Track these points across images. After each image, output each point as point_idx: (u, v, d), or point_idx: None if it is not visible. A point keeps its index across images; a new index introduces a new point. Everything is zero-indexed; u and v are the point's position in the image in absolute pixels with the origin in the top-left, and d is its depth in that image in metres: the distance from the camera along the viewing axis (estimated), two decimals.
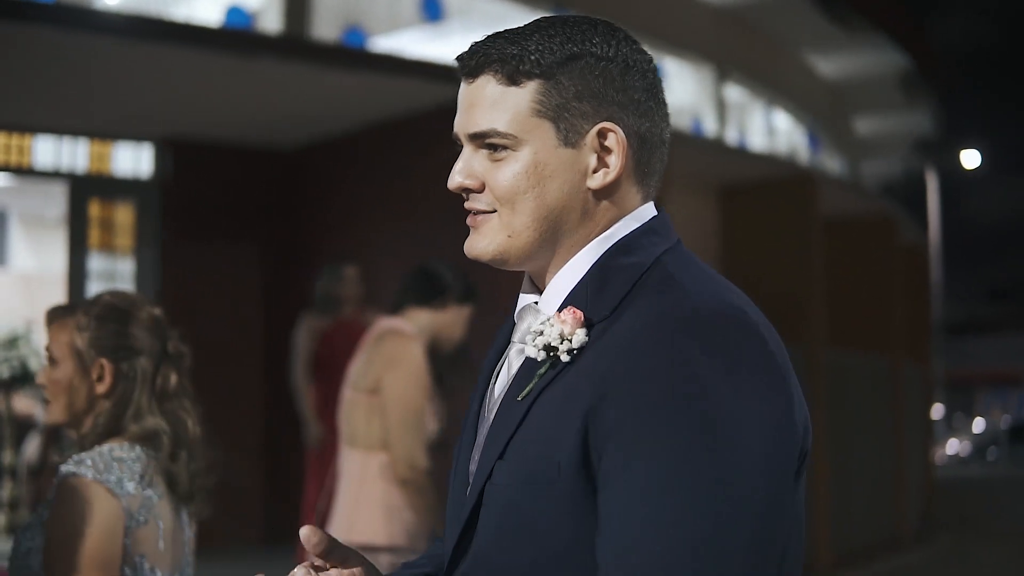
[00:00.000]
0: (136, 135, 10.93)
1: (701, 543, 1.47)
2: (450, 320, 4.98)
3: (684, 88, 16.40)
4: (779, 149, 19.06)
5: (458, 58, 1.76)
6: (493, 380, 1.82)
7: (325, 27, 11.35)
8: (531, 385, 1.66)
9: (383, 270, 9.39)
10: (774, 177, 12.35)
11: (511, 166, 1.69)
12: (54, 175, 10.94)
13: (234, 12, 11.00)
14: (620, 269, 1.68)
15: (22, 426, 13.14)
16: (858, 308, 14.13)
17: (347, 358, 8.54)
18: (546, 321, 1.67)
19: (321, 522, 6.42)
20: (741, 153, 13.56)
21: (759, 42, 18.10)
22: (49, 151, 10.73)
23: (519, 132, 1.68)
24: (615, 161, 1.69)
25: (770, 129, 19.37)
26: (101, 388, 3.02)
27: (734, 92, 17.93)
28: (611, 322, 1.63)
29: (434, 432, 5.00)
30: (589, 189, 1.70)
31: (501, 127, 1.68)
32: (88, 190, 11.01)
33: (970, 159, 34.11)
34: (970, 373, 52.26)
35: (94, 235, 11.07)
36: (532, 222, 1.70)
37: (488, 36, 1.74)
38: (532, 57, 1.68)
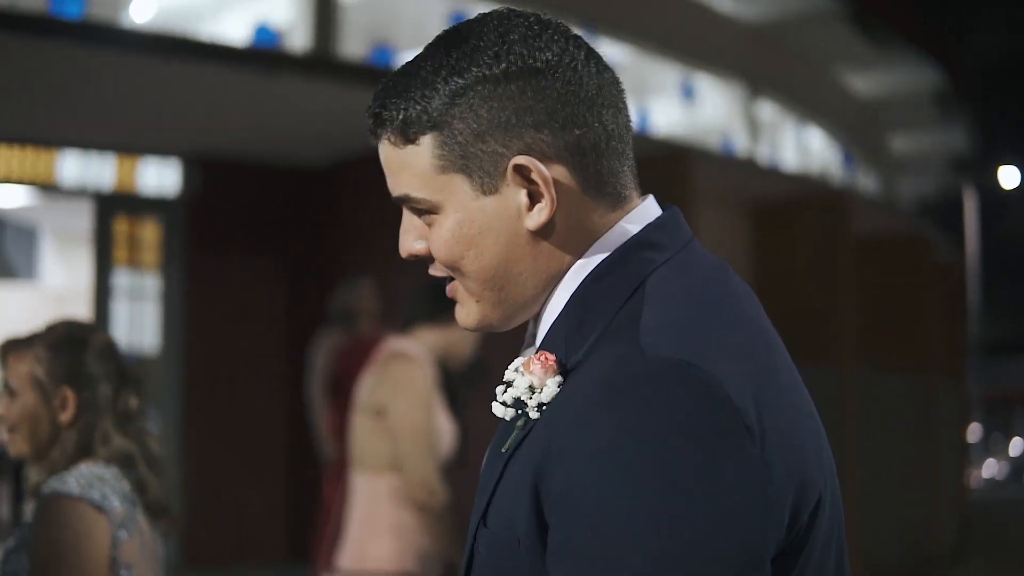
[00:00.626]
0: (162, 152, 10.93)
1: None
2: (459, 336, 4.93)
3: (716, 106, 16.31)
4: (812, 167, 18.93)
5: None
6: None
7: (353, 44, 11.32)
8: (511, 438, 1.47)
9: (403, 287, 9.33)
10: (806, 196, 12.24)
11: (438, 232, 1.51)
12: (80, 192, 10.95)
13: (262, 31, 10.98)
14: (597, 299, 1.47)
15: None
16: (892, 328, 13.99)
17: (363, 376, 8.51)
18: (516, 370, 1.49)
19: (329, 547, 6.38)
20: (773, 172, 13.48)
21: (791, 59, 18.00)
22: (75, 167, 10.73)
23: (431, 195, 1.50)
24: (547, 193, 1.46)
25: (802, 147, 19.24)
26: (65, 416, 3.02)
27: (766, 110, 17.81)
28: (582, 366, 1.44)
29: (449, 453, 4.95)
30: (529, 231, 1.49)
31: (413, 192, 1.52)
32: (114, 207, 11.01)
33: (1009, 177, 33.85)
34: (1009, 392, 51.88)
35: (120, 252, 11.07)
36: (483, 283, 1.52)
37: (379, 87, 1.54)
38: (416, 109, 1.47)
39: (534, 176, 1.45)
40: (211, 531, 10.81)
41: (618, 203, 1.52)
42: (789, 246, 12.31)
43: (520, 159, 1.45)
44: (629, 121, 1.55)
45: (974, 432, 31.05)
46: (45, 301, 19.52)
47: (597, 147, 1.49)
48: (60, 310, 18.66)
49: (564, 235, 1.50)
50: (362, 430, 4.91)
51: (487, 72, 1.46)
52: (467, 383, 5.26)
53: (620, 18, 13.04)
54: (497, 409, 1.49)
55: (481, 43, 1.48)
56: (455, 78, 1.46)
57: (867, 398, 11.75)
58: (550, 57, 1.47)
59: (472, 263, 1.50)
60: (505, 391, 1.49)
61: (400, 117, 1.49)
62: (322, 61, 10.19)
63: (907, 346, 14.01)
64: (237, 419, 10.95)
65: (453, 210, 1.49)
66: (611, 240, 1.50)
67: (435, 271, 1.56)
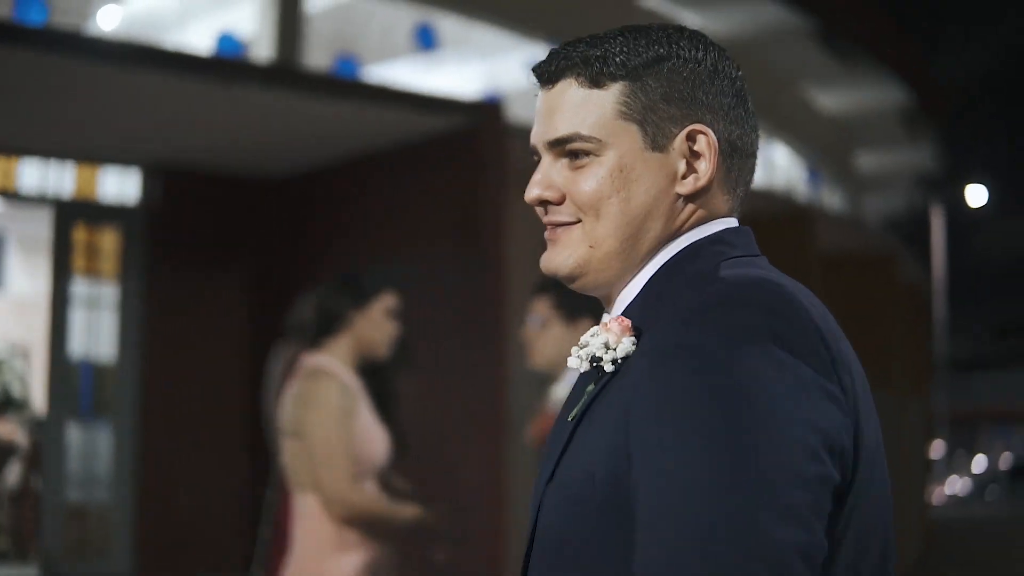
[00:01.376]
0: (124, 160, 10.84)
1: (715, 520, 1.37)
2: (367, 329, 4.97)
3: None
4: (778, 184, 18.97)
5: (535, 67, 1.68)
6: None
7: (318, 55, 11.27)
8: (580, 403, 1.59)
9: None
10: (772, 213, 12.24)
11: (595, 171, 1.61)
12: (40, 199, 10.85)
13: (226, 40, 10.93)
14: (681, 274, 1.61)
15: (3, 451, 13.04)
16: (858, 346, 13.96)
17: None
18: (592, 331, 1.61)
19: (278, 562, 6.37)
20: None
21: (759, 75, 18.02)
22: (35, 175, 10.65)
23: (604, 135, 1.60)
24: (705, 166, 1.63)
25: (769, 163, 19.29)
26: None
27: None
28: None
29: (382, 457, 4.93)
30: (678, 195, 1.64)
31: (585, 131, 1.61)
32: (73, 214, 10.91)
33: (976, 195, 34.00)
34: (974, 410, 52.13)
35: (79, 260, 10.97)
36: (615, 229, 1.62)
37: (566, 42, 1.67)
38: (617, 59, 1.61)
39: (701, 146, 1.62)
40: (167, 542, 10.72)
41: (732, 208, 1.70)
42: None
43: (698, 126, 1.61)
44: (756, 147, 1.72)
45: (938, 449, 31.17)
46: (10, 309, 19.39)
47: (744, 152, 1.68)
48: (24, 318, 18.53)
49: (693, 212, 1.65)
50: (288, 451, 5.00)
51: (684, 53, 1.63)
52: (396, 369, 5.25)
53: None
54: (572, 361, 1.60)
55: (680, 33, 1.66)
56: (656, 47, 1.63)
57: None
58: (730, 67, 1.67)
59: (617, 204, 1.61)
60: (579, 351, 1.60)
61: (601, 60, 1.61)
62: (286, 71, 10.14)
63: (873, 364, 13.98)
64: (195, 431, 10.86)
65: (619, 155, 1.60)
66: (704, 230, 1.66)
67: (554, 216, 1.65)
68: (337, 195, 10.50)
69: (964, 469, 44.13)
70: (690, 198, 1.63)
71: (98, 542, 10.87)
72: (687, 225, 1.64)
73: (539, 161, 1.67)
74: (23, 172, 10.63)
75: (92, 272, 11.07)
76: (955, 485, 40.92)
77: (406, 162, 9.58)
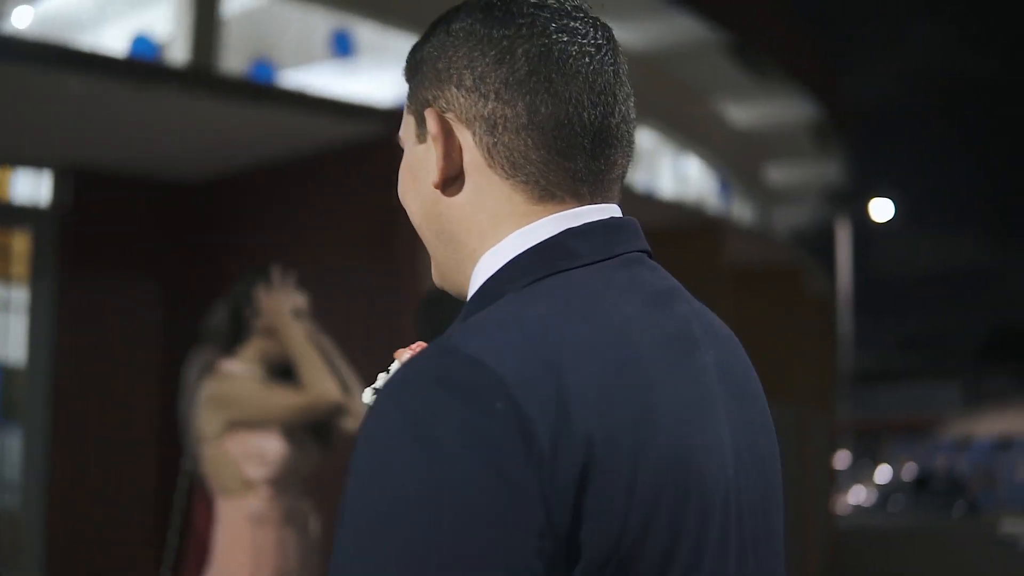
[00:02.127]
0: (35, 162, 10.72)
1: None
2: (271, 339, 5.12)
3: None
4: (689, 196, 19.12)
5: None
6: None
7: (234, 59, 11.22)
8: None
9: None
10: (683, 224, 12.35)
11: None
12: None
13: (140, 41, 10.83)
14: (486, 298, 1.39)
15: None
16: (765, 358, 14.14)
17: None
18: (399, 359, 1.51)
19: (195, 570, 6.38)
20: (649, 199, 13.56)
21: (671, 87, 18.17)
22: None
23: (402, 133, 1.52)
24: (436, 147, 1.42)
25: (680, 175, 19.44)
26: None
27: (644, 137, 17.98)
28: None
29: (278, 469, 4.99)
30: (435, 188, 1.44)
31: (400, 131, 1.53)
32: None
33: (882, 210, 34.48)
34: (879, 421, 52.82)
35: None
36: (420, 231, 1.51)
37: None
38: (409, 57, 1.50)
39: (430, 127, 1.43)
40: (78, 548, 10.61)
41: (545, 197, 1.41)
42: None
43: (427, 109, 1.43)
44: (597, 119, 1.43)
45: (843, 460, 31.54)
46: None
47: (512, 127, 1.39)
48: None
49: (472, 208, 1.43)
50: (209, 458, 5.08)
51: (446, 26, 1.44)
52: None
53: None
54: (365, 395, 1.49)
55: (469, 6, 1.45)
56: (430, 29, 1.47)
57: None
58: (498, 29, 1.40)
59: (408, 210, 1.50)
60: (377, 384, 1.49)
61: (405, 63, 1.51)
62: (202, 74, 10.07)
63: (780, 376, 14.19)
64: (106, 436, 10.75)
65: (405, 150, 1.50)
66: (530, 235, 1.40)
67: None
68: (254, 199, 10.46)
69: (868, 479, 44.66)
70: (459, 190, 1.44)
71: (7, 548, 10.73)
72: (481, 223, 1.43)
73: None
74: None
75: (2, 275, 10.93)
76: (860, 495, 41.40)
77: (323, 167, 9.58)
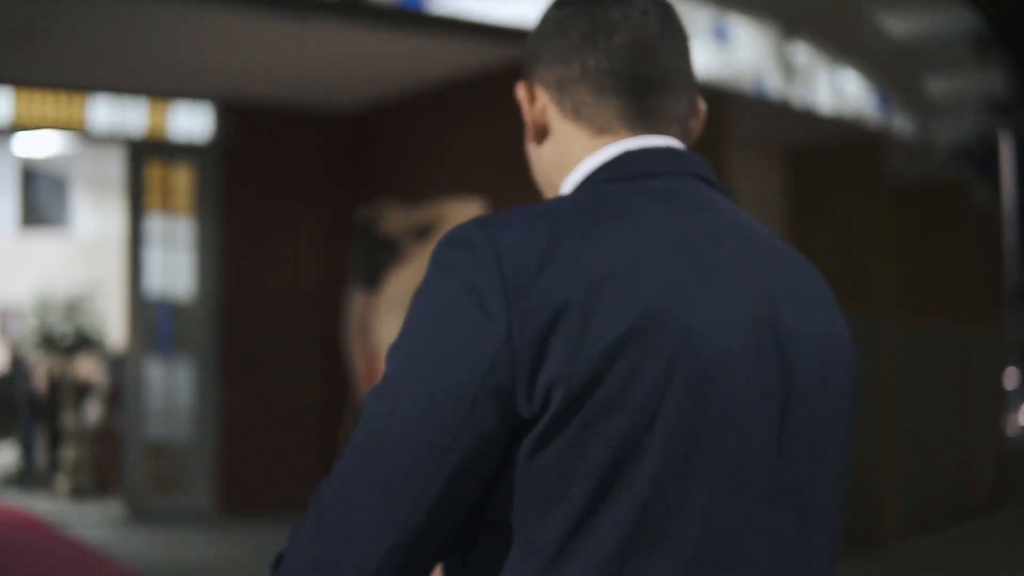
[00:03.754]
0: (194, 96, 10.88)
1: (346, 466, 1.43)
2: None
3: (748, 48, 16.14)
4: (847, 111, 18.74)
5: None
6: None
7: None
8: None
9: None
10: (842, 140, 12.11)
11: None
12: (111, 138, 10.92)
13: None
14: None
15: (82, 390, 13.20)
16: (928, 275, 13.87)
17: None
18: None
19: None
20: (807, 115, 13.31)
21: (828, 2, 17.77)
22: (106, 113, 10.70)
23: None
24: (527, 113, 1.76)
25: (837, 90, 19.05)
26: None
27: (800, 52, 17.62)
28: None
29: None
30: (533, 142, 1.77)
31: None
32: (146, 152, 10.98)
33: None
34: None
35: (153, 198, 11.04)
36: (537, 182, 1.81)
37: None
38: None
39: (520, 96, 1.76)
40: (246, 477, 10.84)
41: (604, 131, 1.70)
42: (825, 191, 12.20)
43: (520, 82, 1.77)
44: (639, 67, 1.71)
45: (1012, 378, 30.84)
46: (77, 249, 19.57)
47: (571, 81, 1.72)
48: (92, 257, 18.73)
49: (556, 152, 1.74)
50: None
51: (544, 13, 1.77)
52: None
53: None
54: None
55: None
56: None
57: (903, 345, 11.65)
58: (559, 10, 1.75)
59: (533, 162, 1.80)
60: None
61: None
62: (354, 5, 10.09)
63: (944, 293, 13.90)
64: (271, 365, 10.95)
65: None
66: (589, 163, 1.68)
67: None
68: (409, 127, 10.49)
69: None
70: (546, 144, 1.76)
71: (179, 478, 11.00)
72: (561, 166, 1.74)
73: None
74: (94, 110, 10.68)
75: (167, 209, 11.13)
76: None
77: (475, 93, 9.55)
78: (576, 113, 1.71)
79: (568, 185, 1.68)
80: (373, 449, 1.42)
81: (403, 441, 1.40)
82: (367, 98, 10.72)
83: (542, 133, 1.75)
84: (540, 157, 1.77)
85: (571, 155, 1.71)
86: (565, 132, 1.72)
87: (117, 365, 12.75)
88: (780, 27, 16.67)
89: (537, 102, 1.74)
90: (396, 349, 1.45)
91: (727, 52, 15.70)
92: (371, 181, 10.90)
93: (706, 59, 13.95)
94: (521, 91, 1.76)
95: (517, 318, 1.40)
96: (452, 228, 1.50)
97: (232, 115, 10.92)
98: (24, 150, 17.49)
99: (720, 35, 15.53)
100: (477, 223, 1.49)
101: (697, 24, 15.06)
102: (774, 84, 16.37)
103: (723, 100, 10.76)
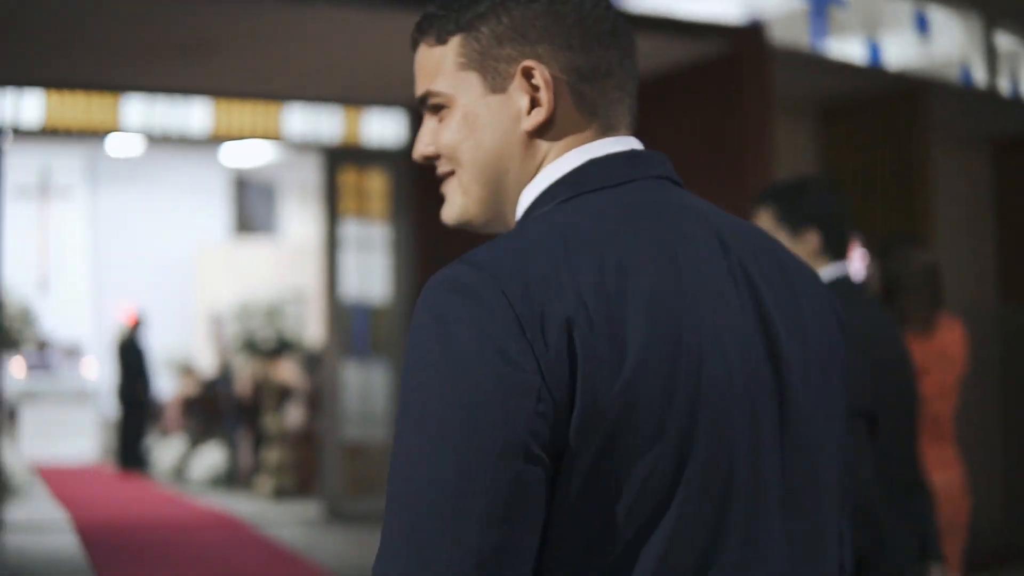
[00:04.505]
0: (387, 102, 11.01)
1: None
2: None
3: (951, 37, 15.71)
4: None
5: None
6: None
7: None
8: None
9: None
10: None
11: (448, 122, 1.71)
12: (306, 145, 11.13)
13: None
14: (525, 219, 1.66)
15: (283, 393, 13.48)
16: None
17: None
18: None
19: None
20: (1015, 104, 12.89)
21: None
22: (301, 121, 10.90)
23: (449, 88, 1.70)
24: (545, 97, 1.65)
25: None
26: None
27: (1004, 40, 17.08)
28: None
29: None
30: (526, 132, 1.68)
31: (434, 87, 1.72)
32: (341, 158, 11.15)
33: None
34: None
35: (349, 203, 11.21)
36: (475, 175, 1.70)
37: (430, 5, 1.78)
38: (453, 15, 1.70)
39: (536, 80, 1.65)
40: None
41: (602, 130, 1.69)
42: None
43: (529, 62, 1.66)
44: (632, 69, 1.75)
45: None
46: (285, 255, 20.04)
47: (594, 75, 1.69)
48: (298, 263, 19.15)
49: (554, 146, 1.68)
50: None
51: None
52: None
53: None
54: None
55: None
56: None
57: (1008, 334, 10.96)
58: (524, 8, 1.68)
59: (470, 152, 1.69)
60: None
61: (441, 18, 1.71)
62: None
63: None
64: None
65: (464, 103, 1.69)
66: (560, 167, 1.66)
67: (441, 168, 1.73)
68: None
69: None
70: (540, 133, 1.68)
71: (377, 479, 11.14)
72: (547, 160, 1.68)
73: None
74: (289, 118, 10.89)
75: (362, 214, 11.30)
76: None
77: (666, 89, 9.46)
78: (590, 108, 1.70)
79: (534, 185, 1.66)
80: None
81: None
82: None
83: (545, 120, 1.68)
84: (522, 149, 1.68)
85: (566, 152, 1.68)
86: (573, 126, 1.69)
87: (315, 368, 12.99)
88: (983, 15, 16.19)
89: (548, 87, 1.67)
90: (413, 410, 1.42)
91: (929, 42, 15.32)
92: None
93: (908, 50, 13.64)
94: (542, 75, 1.67)
95: (543, 360, 1.41)
96: (437, 274, 1.49)
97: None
98: (233, 160, 18.00)
99: (922, 25, 15.15)
100: (469, 265, 1.48)
101: (898, 15, 14.71)
102: (978, 73, 15.90)
103: (926, 91, 10.46)
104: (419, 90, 1.76)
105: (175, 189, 20.97)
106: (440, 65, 1.72)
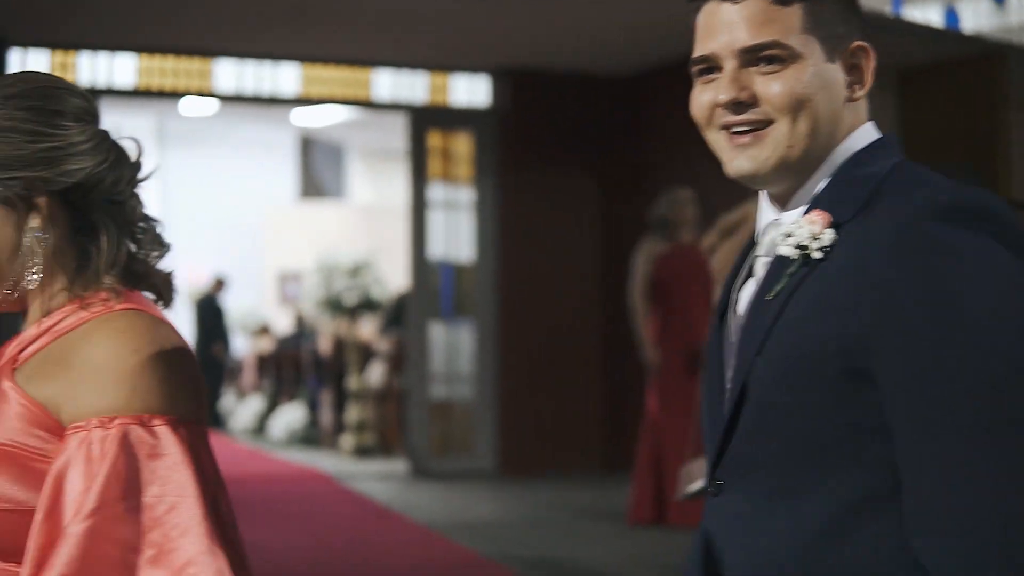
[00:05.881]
0: (473, 66, 11.08)
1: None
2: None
3: None
4: None
5: None
6: (735, 296, 1.89)
7: None
8: (781, 284, 1.75)
9: (718, 195, 9.25)
10: None
11: (791, 76, 1.78)
12: (394, 107, 11.21)
13: None
14: (857, 178, 1.77)
15: (365, 352, 13.59)
16: None
17: (683, 283, 8.51)
18: (795, 223, 1.76)
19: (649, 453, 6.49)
20: None
21: None
22: (389, 84, 10.99)
23: (797, 45, 1.77)
24: (868, 77, 1.83)
25: None
26: None
27: None
28: (858, 224, 1.71)
29: None
30: (846, 103, 1.82)
31: (784, 39, 1.77)
32: (427, 121, 11.23)
33: None
34: None
35: (434, 165, 11.31)
36: (811, 131, 1.78)
37: None
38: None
39: (864, 60, 1.83)
40: (526, 440, 11.00)
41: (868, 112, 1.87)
42: None
43: (864, 43, 1.83)
44: None
45: None
46: (354, 216, 20.09)
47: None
48: (368, 225, 19.24)
49: (851, 120, 1.83)
50: None
51: None
52: None
53: None
54: (783, 249, 1.76)
55: None
56: None
57: None
58: None
59: (812, 110, 1.77)
60: (785, 239, 1.76)
61: None
62: None
63: None
64: (552, 328, 11.08)
65: (812, 64, 1.78)
66: (862, 137, 1.83)
67: (750, 116, 1.80)
68: (684, 90, 10.45)
69: None
70: (850, 107, 1.82)
71: (463, 438, 11.26)
72: (847, 131, 1.82)
73: (702, 71, 1.86)
74: (377, 81, 10.98)
75: (448, 176, 11.40)
76: None
77: None
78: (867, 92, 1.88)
79: (841, 150, 1.81)
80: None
81: None
82: (645, 60, 10.73)
83: (858, 100, 1.86)
84: (839, 115, 1.82)
85: (858, 123, 1.84)
86: (862, 108, 1.86)
87: (396, 327, 13.10)
88: None
89: (873, 68, 1.85)
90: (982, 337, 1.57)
91: (1005, 6, 15.17)
92: (649, 144, 10.94)
93: (983, 14, 13.55)
94: (870, 55, 1.85)
95: None
96: (940, 202, 1.64)
97: (509, 81, 11.08)
98: (303, 120, 18.06)
99: None
100: (968, 194, 1.65)
101: None
102: None
103: (1004, 55, 10.40)
104: (754, 38, 1.79)
105: (243, 149, 21.03)
106: (785, 23, 1.78)
